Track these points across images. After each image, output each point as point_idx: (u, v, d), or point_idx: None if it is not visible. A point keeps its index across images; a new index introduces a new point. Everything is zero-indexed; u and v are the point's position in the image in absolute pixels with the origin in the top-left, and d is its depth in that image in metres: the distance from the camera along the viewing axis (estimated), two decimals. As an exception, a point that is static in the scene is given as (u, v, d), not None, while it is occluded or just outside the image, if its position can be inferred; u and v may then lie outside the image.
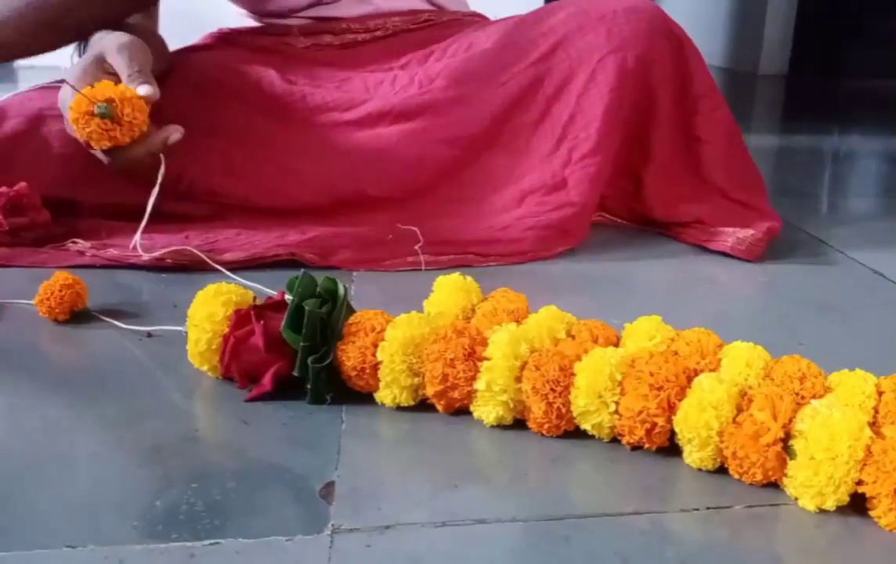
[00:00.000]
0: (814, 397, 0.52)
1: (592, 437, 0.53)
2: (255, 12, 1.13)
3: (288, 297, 0.58)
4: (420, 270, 0.87)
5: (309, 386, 0.56)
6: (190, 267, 0.83)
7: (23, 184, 0.86)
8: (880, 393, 0.53)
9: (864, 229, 1.11)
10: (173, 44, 1.05)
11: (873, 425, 0.50)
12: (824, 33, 3.21)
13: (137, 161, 0.83)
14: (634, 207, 1.00)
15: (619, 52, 0.92)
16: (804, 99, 2.83)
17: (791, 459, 0.47)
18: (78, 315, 0.71)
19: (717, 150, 0.95)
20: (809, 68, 3.23)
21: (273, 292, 0.64)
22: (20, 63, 2.89)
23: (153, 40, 0.94)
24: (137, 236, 0.81)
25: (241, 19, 1.19)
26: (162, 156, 0.83)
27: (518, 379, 0.53)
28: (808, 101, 2.78)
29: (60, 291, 0.69)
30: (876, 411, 0.52)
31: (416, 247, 0.88)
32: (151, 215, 0.93)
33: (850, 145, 1.93)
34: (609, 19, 0.93)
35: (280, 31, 1.10)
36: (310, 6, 1.08)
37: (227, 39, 1.11)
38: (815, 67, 3.21)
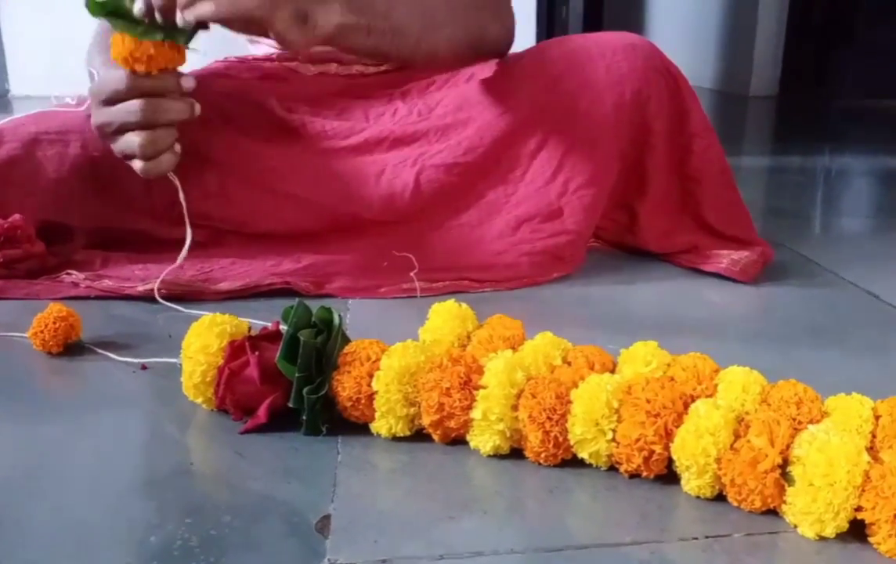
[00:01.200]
0: (811, 422, 0.52)
1: (590, 465, 0.53)
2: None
3: (283, 327, 0.58)
4: (415, 296, 0.86)
5: (304, 417, 0.56)
6: (185, 297, 0.83)
7: (17, 216, 0.86)
8: (877, 417, 0.52)
9: (857, 249, 1.11)
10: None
11: (870, 449, 0.50)
12: (813, 54, 3.24)
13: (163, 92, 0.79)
14: (629, 240, 1.01)
15: (617, 87, 0.93)
16: (795, 119, 2.85)
17: (789, 485, 0.47)
18: (72, 347, 0.71)
19: (709, 189, 0.96)
20: (799, 89, 3.26)
21: (268, 323, 0.64)
22: (15, 93, 2.90)
23: None
24: (184, 252, 0.82)
25: (246, 47, 1.20)
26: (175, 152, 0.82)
27: (514, 408, 0.53)
28: (799, 121, 2.80)
29: (54, 323, 0.69)
30: (873, 435, 0.52)
31: (412, 273, 0.88)
32: (146, 242, 0.93)
33: (842, 165, 1.94)
34: (608, 55, 0.94)
35: (288, 56, 1.10)
36: None
37: (232, 67, 1.11)
38: (804, 88, 3.24)
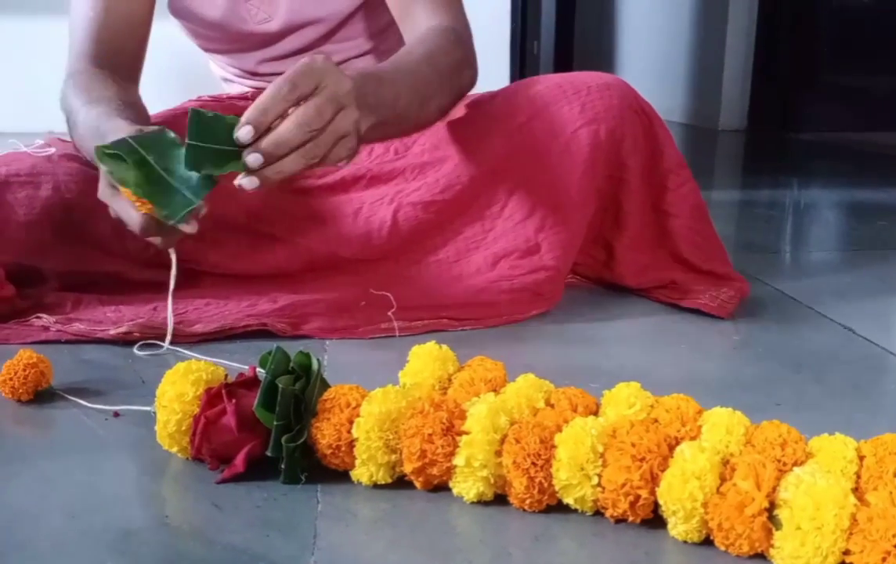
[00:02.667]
0: (795, 463, 0.52)
1: (575, 511, 0.52)
2: (239, 67, 1.12)
3: (260, 373, 0.57)
4: (394, 336, 0.86)
5: (283, 466, 0.55)
6: (159, 340, 0.81)
7: (-15, 259, 0.84)
8: (861, 458, 0.52)
9: (830, 283, 1.12)
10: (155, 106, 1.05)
11: (856, 491, 0.49)
12: (780, 88, 3.31)
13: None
14: (606, 275, 1.01)
15: (592, 125, 0.94)
16: (763, 153, 2.90)
17: (777, 529, 0.47)
18: (42, 395, 0.69)
19: (684, 224, 0.97)
20: (767, 123, 3.32)
21: (244, 366, 0.63)
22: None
23: (142, 113, 0.93)
24: (169, 311, 0.78)
25: (220, 85, 1.20)
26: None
27: (498, 453, 0.52)
28: (767, 155, 2.85)
29: (24, 370, 0.67)
30: (858, 476, 0.51)
31: (390, 313, 0.87)
32: (118, 284, 0.91)
33: (810, 198, 1.98)
34: (583, 94, 0.95)
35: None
36: (294, 54, 1.08)
37: (206, 106, 1.10)
38: (772, 122, 3.30)
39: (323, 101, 0.68)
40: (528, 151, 0.95)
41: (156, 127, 0.71)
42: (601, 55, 5.01)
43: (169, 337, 0.79)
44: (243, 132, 0.66)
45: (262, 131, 0.67)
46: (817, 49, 3.29)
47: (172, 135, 0.70)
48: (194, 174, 0.68)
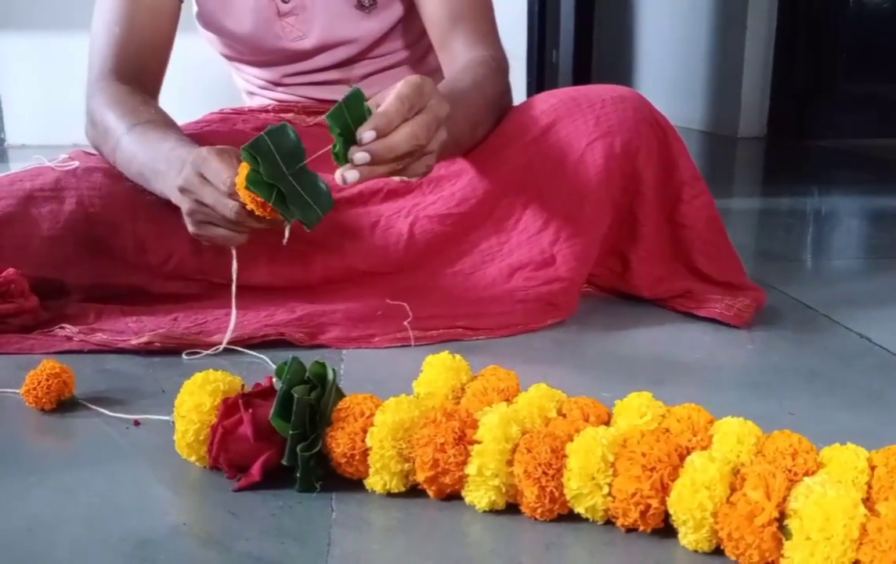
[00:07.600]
0: (806, 473, 0.52)
1: (586, 520, 0.52)
2: (264, 78, 1.14)
3: (276, 383, 0.58)
4: (409, 345, 0.86)
5: (298, 474, 0.56)
6: (179, 350, 0.82)
7: (11, 270, 0.86)
8: (872, 468, 0.52)
9: (848, 292, 1.12)
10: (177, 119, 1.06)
11: (866, 501, 0.49)
12: (799, 96, 3.29)
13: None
14: (622, 286, 1.01)
15: (607, 138, 0.94)
16: (782, 161, 2.88)
17: (787, 539, 0.47)
18: (65, 404, 0.70)
19: (699, 236, 0.98)
20: (786, 130, 3.30)
21: (265, 363, 0.64)
22: (11, 142, 2.91)
23: (179, 131, 0.95)
24: (231, 324, 0.82)
25: (240, 98, 1.22)
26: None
27: (509, 463, 0.53)
28: (786, 162, 2.83)
29: (47, 380, 0.68)
30: (869, 486, 0.52)
31: (405, 322, 0.88)
32: (139, 296, 0.93)
33: (830, 205, 1.96)
34: (598, 107, 0.96)
35: (282, 109, 1.12)
36: (324, 70, 1.10)
37: (227, 119, 1.12)
38: (791, 130, 3.28)
39: (431, 118, 0.72)
40: (543, 164, 0.96)
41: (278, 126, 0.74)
42: (620, 64, 5.00)
43: (231, 329, 0.82)
44: (367, 135, 0.70)
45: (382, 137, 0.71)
46: (836, 57, 3.26)
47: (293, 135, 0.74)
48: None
